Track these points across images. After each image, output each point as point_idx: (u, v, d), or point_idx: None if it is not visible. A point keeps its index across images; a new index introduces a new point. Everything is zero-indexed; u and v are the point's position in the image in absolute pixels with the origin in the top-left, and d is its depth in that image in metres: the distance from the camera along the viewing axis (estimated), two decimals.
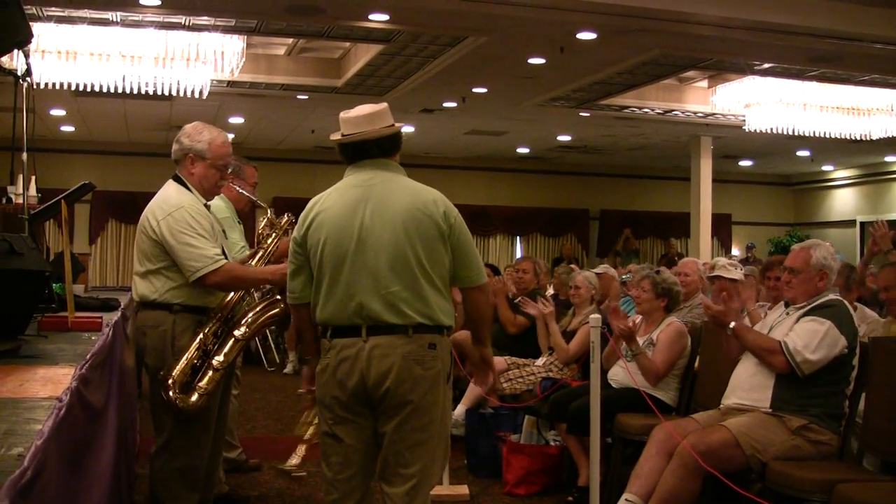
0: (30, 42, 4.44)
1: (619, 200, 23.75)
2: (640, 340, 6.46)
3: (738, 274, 7.50)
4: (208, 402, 4.66)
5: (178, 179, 4.86)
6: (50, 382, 2.98)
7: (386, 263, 3.93)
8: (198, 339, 4.66)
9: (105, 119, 17.09)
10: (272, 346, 14.77)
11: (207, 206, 4.89)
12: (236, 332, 4.74)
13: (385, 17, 10.41)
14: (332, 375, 3.96)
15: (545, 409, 6.88)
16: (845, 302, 5.27)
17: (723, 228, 23.83)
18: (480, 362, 4.43)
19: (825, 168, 23.51)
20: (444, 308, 4.03)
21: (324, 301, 4.01)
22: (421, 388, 3.92)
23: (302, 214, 4.13)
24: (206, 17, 10.81)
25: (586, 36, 10.95)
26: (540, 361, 7.74)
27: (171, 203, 4.72)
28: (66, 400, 2.57)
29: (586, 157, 22.19)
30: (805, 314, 5.18)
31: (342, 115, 4.18)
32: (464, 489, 6.79)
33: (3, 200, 7.36)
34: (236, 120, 17.45)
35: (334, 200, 4.06)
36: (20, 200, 7.09)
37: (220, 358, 4.65)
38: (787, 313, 5.36)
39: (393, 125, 4.18)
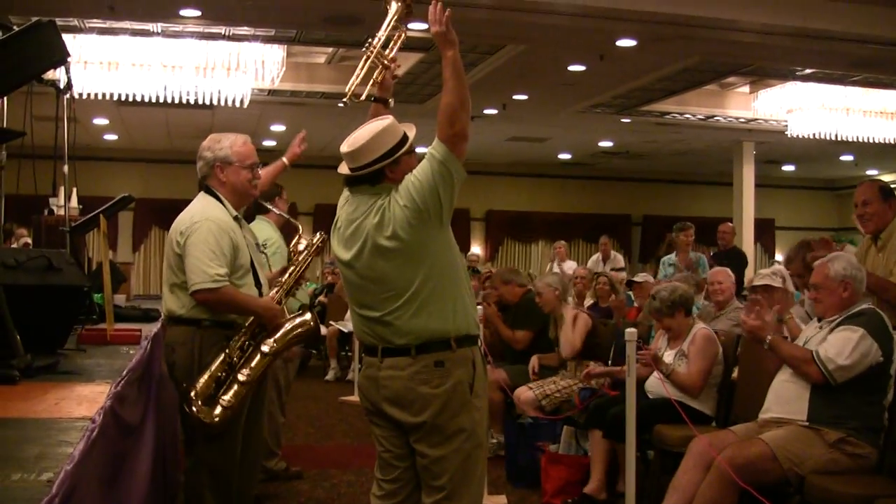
0: (66, 61, 4.48)
1: (661, 206, 23.61)
2: (670, 354, 6.42)
3: (775, 280, 7.39)
4: (233, 415, 4.53)
5: (208, 190, 4.74)
6: (85, 401, 3.01)
7: (376, 291, 3.96)
8: (223, 354, 4.51)
9: (147, 128, 17.24)
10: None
11: (238, 220, 4.73)
12: (264, 347, 4.62)
13: (423, 27, 10.37)
14: (361, 390, 4.08)
15: (583, 419, 6.85)
16: (879, 311, 5.17)
17: (766, 234, 23.65)
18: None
19: (869, 172, 23.26)
20: (445, 318, 3.93)
21: (352, 318, 4.16)
22: (433, 408, 3.89)
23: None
24: (245, 28, 10.89)
25: (626, 43, 10.93)
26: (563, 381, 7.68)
27: (197, 215, 4.60)
28: (100, 420, 2.59)
29: (628, 162, 22.11)
30: (837, 325, 5.12)
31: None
32: (502, 500, 6.78)
33: (46, 212, 7.46)
34: (278, 127, 17.55)
35: (340, 233, 4.10)
36: (62, 212, 7.18)
37: (247, 372, 4.55)
38: (821, 327, 5.30)
39: (370, 161, 3.97)
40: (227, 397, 4.46)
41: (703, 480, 5.07)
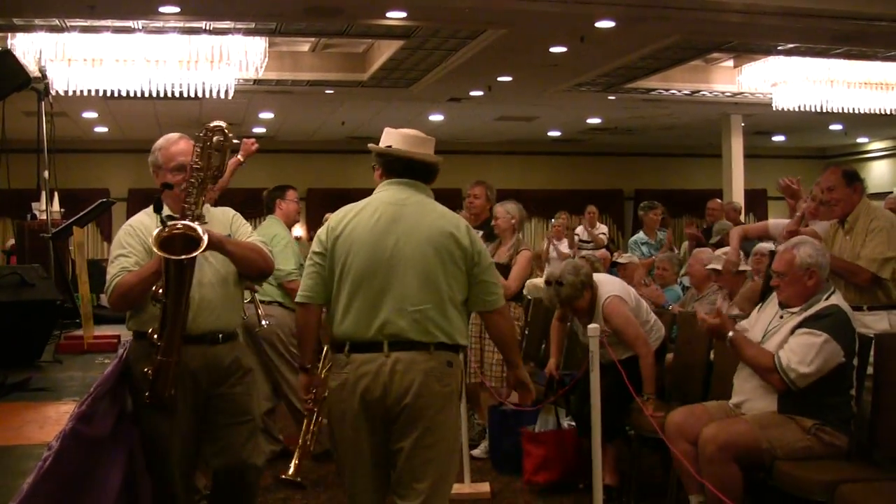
0: (29, 85, 4.57)
1: (653, 180, 23.60)
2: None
3: (721, 264, 7.50)
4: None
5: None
6: (49, 423, 3.10)
7: (416, 283, 4.05)
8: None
9: (137, 119, 17.27)
10: None
11: (173, 218, 4.24)
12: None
13: (403, 14, 10.49)
14: (353, 391, 4.03)
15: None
16: (842, 306, 5.18)
17: (758, 204, 23.66)
18: (519, 386, 4.54)
19: (860, 140, 23.30)
20: (462, 329, 4.18)
21: (342, 315, 4.10)
22: (436, 405, 4.04)
23: (332, 221, 4.21)
24: (226, 21, 10.94)
25: (605, 24, 10.96)
26: None
27: None
28: (56, 447, 2.68)
29: (618, 138, 22.12)
30: (801, 324, 5.11)
31: (390, 129, 4.33)
32: (485, 487, 6.89)
33: (28, 217, 7.56)
34: (266, 115, 17.61)
35: (369, 215, 4.16)
36: (45, 216, 7.25)
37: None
38: (782, 316, 5.31)
39: (435, 161, 4.33)
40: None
41: (692, 451, 5.14)
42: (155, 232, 4.06)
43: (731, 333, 5.23)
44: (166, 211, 4.31)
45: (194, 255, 4.00)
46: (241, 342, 4.56)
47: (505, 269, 7.55)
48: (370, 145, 4.35)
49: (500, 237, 7.93)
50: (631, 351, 6.37)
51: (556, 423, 7.14)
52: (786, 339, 5.11)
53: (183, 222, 4.06)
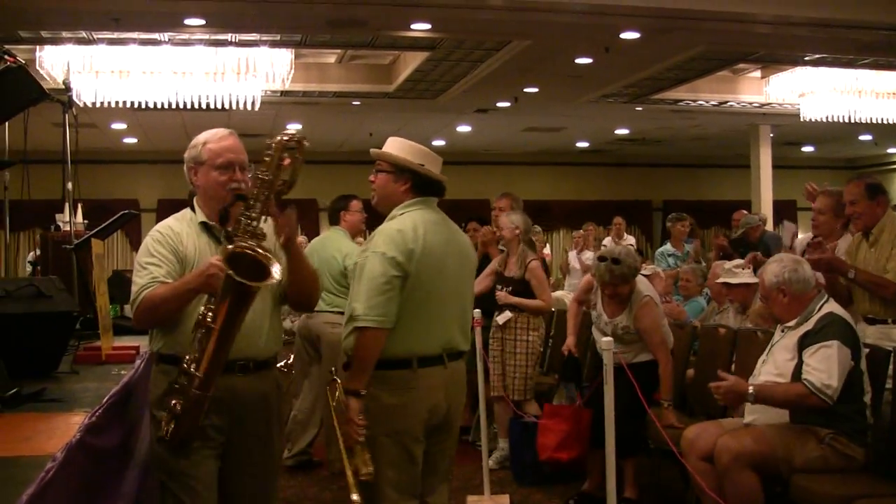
0: (44, 99, 4.61)
1: (681, 190, 23.54)
2: (609, 322, 6.50)
3: (747, 276, 7.46)
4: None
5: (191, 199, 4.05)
6: (57, 434, 3.11)
7: (469, 297, 4.40)
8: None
9: (165, 130, 17.39)
10: None
11: (209, 228, 3.89)
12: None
13: (427, 26, 10.52)
14: (421, 405, 4.11)
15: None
16: (837, 312, 5.17)
17: (788, 215, 23.47)
18: None
19: (891, 151, 23.13)
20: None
21: (408, 330, 4.07)
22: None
23: (404, 237, 4.07)
24: (251, 34, 11.02)
25: (630, 36, 10.95)
26: None
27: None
28: (60, 458, 2.69)
29: (646, 148, 22.08)
30: (805, 339, 5.08)
31: (422, 147, 4.33)
32: (505, 499, 6.87)
33: (52, 228, 7.63)
34: (294, 126, 17.65)
35: (434, 232, 4.18)
36: (69, 227, 7.30)
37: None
38: (783, 331, 5.32)
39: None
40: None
41: (707, 467, 5.12)
42: (224, 245, 3.53)
43: (750, 390, 5.12)
44: (201, 216, 3.88)
45: (267, 283, 3.49)
46: (273, 373, 4.02)
47: (518, 283, 7.58)
48: (415, 164, 4.24)
49: (505, 249, 7.91)
50: (643, 355, 6.37)
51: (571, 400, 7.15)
52: (795, 356, 5.08)
53: (262, 249, 3.48)
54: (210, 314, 3.47)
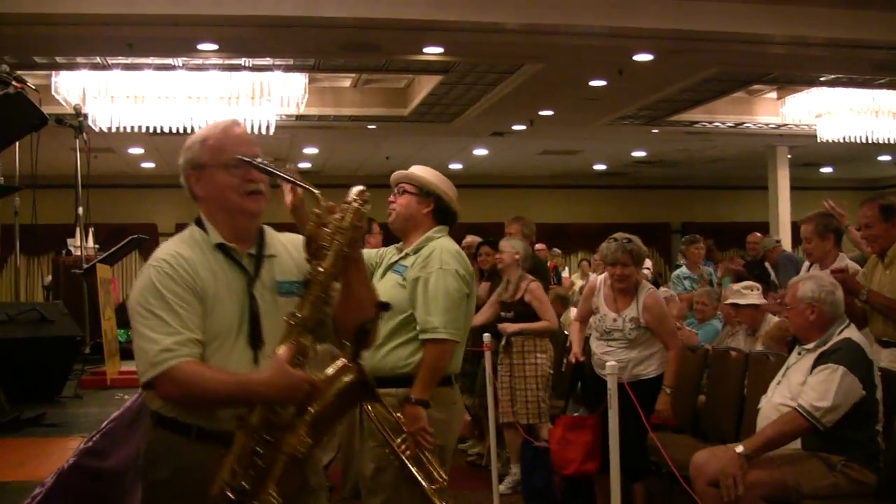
0: (45, 124, 4.61)
1: (699, 212, 23.47)
2: (614, 316, 6.40)
3: (755, 297, 7.40)
4: None
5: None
6: (51, 460, 3.09)
7: None
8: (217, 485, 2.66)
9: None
10: None
11: (227, 249, 2.95)
12: (286, 446, 2.71)
13: (439, 50, 10.54)
14: (459, 421, 4.39)
15: None
16: (855, 339, 5.06)
17: None
18: None
19: None
20: None
21: (456, 348, 4.23)
22: None
23: (465, 258, 4.34)
24: (265, 58, 11.07)
25: (643, 58, 10.95)
26: None
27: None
28: (49, 483, 2.67)
29: (663, 171, 22.02)
30: (818, 360, 4.98)
31: (445, 177, 4.45)
32: None
33: (64, 252, 7.66)
34: (311, 150, 17.72)
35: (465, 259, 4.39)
36: (80, 252, 7.32)
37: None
38: (800, 353, 5.24)
39: None
40: None
41: (715, 493, 5.04)
42: (343, 362, 2.78)
43: (739, 449, 4.89)
44: (215, 236, 2.94)
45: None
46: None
47: (518, 306, 7.58)
48: (440, 189, 4.37)
49: (504, 274, 7.84)
50: (646, 363, 6.31)
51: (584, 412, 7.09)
52: (804, 378, 5.00)
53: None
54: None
